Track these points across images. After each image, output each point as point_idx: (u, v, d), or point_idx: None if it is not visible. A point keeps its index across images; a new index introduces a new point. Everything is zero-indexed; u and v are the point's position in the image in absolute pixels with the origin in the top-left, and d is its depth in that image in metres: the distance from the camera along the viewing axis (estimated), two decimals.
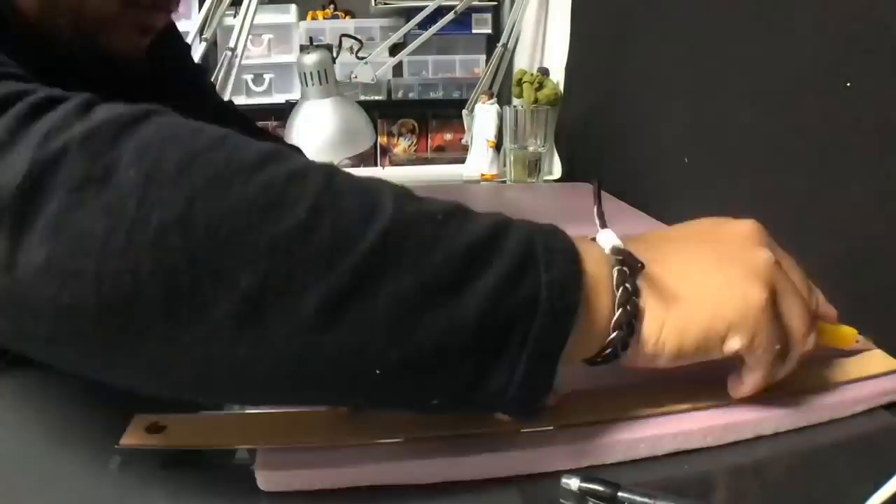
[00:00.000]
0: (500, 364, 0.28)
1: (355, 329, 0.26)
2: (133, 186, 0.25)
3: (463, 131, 1.68)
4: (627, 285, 0.31)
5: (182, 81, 0.64)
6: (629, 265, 0.31)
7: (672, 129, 0.76)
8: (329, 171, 0.28)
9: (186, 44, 0.66)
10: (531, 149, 1.16)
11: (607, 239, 0.32)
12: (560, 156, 1.26)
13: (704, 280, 0.32)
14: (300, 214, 0.26)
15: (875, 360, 0.41)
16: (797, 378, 0.36)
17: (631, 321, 0.31)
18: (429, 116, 2.48)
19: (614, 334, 0.31)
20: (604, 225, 0.34)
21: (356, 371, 0.27)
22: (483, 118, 1.40)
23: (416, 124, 2.49)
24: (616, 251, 0.31)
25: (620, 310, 0.31)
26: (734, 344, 0.32)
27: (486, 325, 0.28)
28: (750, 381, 0.33)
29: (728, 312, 0.31)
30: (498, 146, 1.40)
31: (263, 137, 0.60)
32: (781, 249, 0.36)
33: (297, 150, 0.72)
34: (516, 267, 0.28)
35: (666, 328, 0.31)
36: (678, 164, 0.73)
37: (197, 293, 0.25)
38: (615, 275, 0.31)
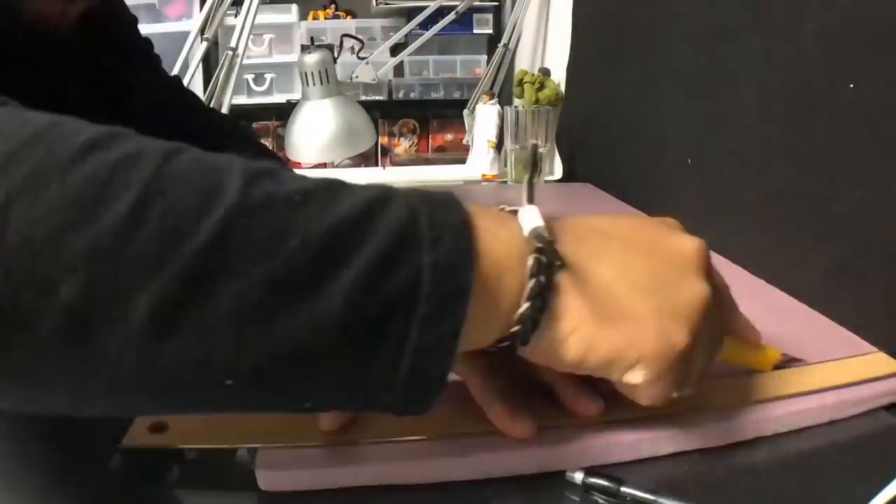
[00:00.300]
0: (377, 363, 0.25)
1: (195, 337, 0.23)
2: None
3: (464, 132, 1.68)
4: (542, 278, 0.27)
5: (127, 55, 0.60)
6: (548, 255, 0.27)
7: (674, 129, 0.76)
8: (167, 153, 0.24)
9: (133, 16, 0.62)
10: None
11: (530, 219, 0.28)
12: (561, 156, 1.26)
13: (632, 299, 0.29)
14: (122, 209, 0.22)
15: (877, 362, 0.41)
16: (798, 380, 0.36)
17: (537, 318, 0.27)
18: (430, 117, 2.48)
19: (517, 328, 0.27)
20: (531, 199, 0.29)
21: (204, 381, 0.24)
22: (484, 118, 1.40)
23: (416, 124, 2.49)
24: (536, 236, 0.27)
25: (528, 304, 0.27)
26: (636, 378, 0.29)
27: (356, 320, 0.24)
28: (629, 401, 0.32)
29: (645, 346, 0.29)
30: (499, 146, 1.40)
31: (214, 116, 0.59)
32: (716, 270, 0.34)
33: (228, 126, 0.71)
34: (393, 248, 0.24)
35: (574, 337, 0.28)
36: (681, 164, 0.73)
37: (17, 308, 0.21)
38: (530, 263, 0.27)
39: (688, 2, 0.72)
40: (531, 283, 0.27)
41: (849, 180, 0.47)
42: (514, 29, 1.62)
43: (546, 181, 1.15)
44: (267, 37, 2.27)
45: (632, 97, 0.88)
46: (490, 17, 2.28)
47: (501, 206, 0.31)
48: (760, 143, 0.58)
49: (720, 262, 0.62)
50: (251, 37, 1.35)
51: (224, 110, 1.33)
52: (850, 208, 0.47)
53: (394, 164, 2.09)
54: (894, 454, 0.35)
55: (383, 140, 2.46)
